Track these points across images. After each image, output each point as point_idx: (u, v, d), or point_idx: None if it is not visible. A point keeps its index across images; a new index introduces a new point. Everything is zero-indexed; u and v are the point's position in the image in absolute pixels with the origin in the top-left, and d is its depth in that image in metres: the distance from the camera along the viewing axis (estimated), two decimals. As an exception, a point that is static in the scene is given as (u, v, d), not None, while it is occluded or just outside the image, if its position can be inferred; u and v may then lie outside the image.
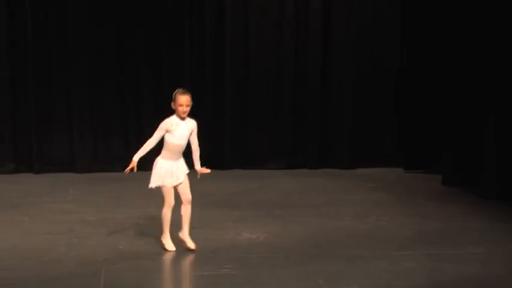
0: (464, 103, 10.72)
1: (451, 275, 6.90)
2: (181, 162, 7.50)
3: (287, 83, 12.42)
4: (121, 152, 11.68)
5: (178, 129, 7.38)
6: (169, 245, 7.55)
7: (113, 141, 12.10)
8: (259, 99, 12.37)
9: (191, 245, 7.54)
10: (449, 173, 11.03)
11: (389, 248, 7.73)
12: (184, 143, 7.44)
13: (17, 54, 11.79)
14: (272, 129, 12.43)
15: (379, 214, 9.20)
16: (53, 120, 11.98)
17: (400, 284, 6.64)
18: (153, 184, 7.46)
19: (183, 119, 7.39)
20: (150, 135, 7.48)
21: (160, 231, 7.61)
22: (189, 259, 7.39)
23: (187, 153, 7.54)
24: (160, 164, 7.43)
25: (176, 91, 7.43)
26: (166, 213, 7.48)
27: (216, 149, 11.93)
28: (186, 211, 7.52)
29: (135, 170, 7.43)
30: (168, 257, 7.41)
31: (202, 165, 7.57)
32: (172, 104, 7.40)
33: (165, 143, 7.44)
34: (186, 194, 7.49)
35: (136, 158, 7.41)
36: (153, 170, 7.47)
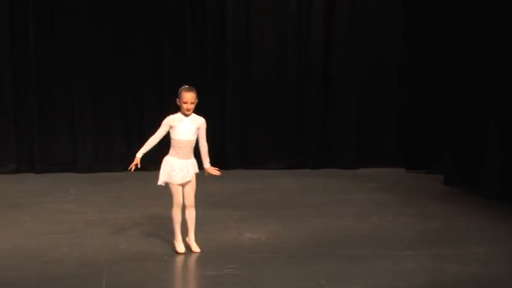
0: (465, 103, 10.72)
1: (453, 275, 6.90)
2: (191, 161, 7.42)
3: (288, 82, 12.41)
4: (122, 152, 11.68)
5: (181, 125, 7.34)
6: (179, 247, 7.48)
7: (115, 141, 12.10)
8: (261, 99, 12.37)
9: (196, 249, 7.53)
10: (451, 173, 11.03)
11: (391, 248, 7.74)
12: (189, 139, 7.35)
13: (18, 54, 11.78)
14: (273, 129, 12.43)
15: (380, 214, 9.20)
16: (54, 120, 11.98)
17: (401, 284, 6.64)
18: (160, 181, 7.42)
19: (187, 115, 7.37)
20: (152, 134, 7.47)
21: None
22: (191, 259, 7.38)
23: (198, 154, 7.51)
24: (168, 161, 7.39)
25: (181, 88, 7.41)
26: (175, 214, 7.43)
27: (218, 149, 11.92)
28: (190, 215, 7.48)
29: (139, 165, 7.39)
30: (170, 257, 7.41)
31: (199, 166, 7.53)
32: (177, 100, 7.38)
33: (171, 140, 7.41)
34: (189, 197, 7.45)
35: (139, 155, 7.38)
36: (161, 167, 7.44)
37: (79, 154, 12.01)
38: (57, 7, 11.81)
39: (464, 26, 10.71)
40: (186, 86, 7.44)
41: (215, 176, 7.59)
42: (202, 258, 7.41)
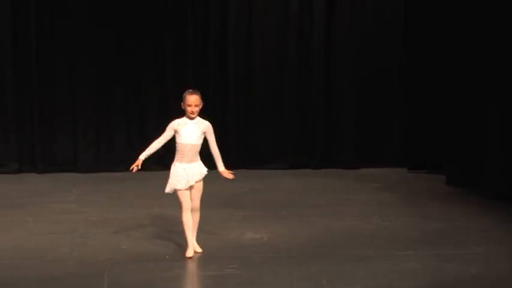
0: (467, 103, 10.71)
1: (453, 275, 6.90)
2: (197, 164, 7.40)
3: (289, 82, 12.41)
4: (124, 152, 11.68)
5: (186, 129, 7.33)
6: (188, 251, 7.43)
7: (116, 141, 12.10)
8: (263, 99, 12.36)
9: (198, 249, 7.53)
10: (453, 173, 11.02)
11: (393, 248, 7.74)
12: (193, 143, 7.33)
13: (20, 55, 11.79)
14: (276, 130, 12.42)
15: (382, 214, 9.20)
16: (55, 120, 11.98)
17: (402, 284, 6.64)
18: (167, 189, 7.41)
19: (192, 119, 7.37)
20: (154, 135, 7.47)
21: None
22: (193, 259, 7.38)
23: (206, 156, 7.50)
24: (174, 168, 7.37)
25: (186, 91, 7.40)
26: (186, 218, 7.36)
27: (220, 150, 11.88)
28: (194, 218, 7.45)
29: (139, 167, 7.39)
30: (171, 257, 7.42)
31: (213, 167, 7.51)
32: (182, 104, 7.37)
33: (176, 144, 7.40)
34: (195, 200, 7.43)
35: (142, 157, 7.38)
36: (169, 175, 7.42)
37: (80, 154, 12.00)
38: (57, 7, 11.81)
39: (464, 26, 10.70)
40: (190, 90, 7.43)
41: (228, 178, 7.57)
42: (204, 258, 7.41)
